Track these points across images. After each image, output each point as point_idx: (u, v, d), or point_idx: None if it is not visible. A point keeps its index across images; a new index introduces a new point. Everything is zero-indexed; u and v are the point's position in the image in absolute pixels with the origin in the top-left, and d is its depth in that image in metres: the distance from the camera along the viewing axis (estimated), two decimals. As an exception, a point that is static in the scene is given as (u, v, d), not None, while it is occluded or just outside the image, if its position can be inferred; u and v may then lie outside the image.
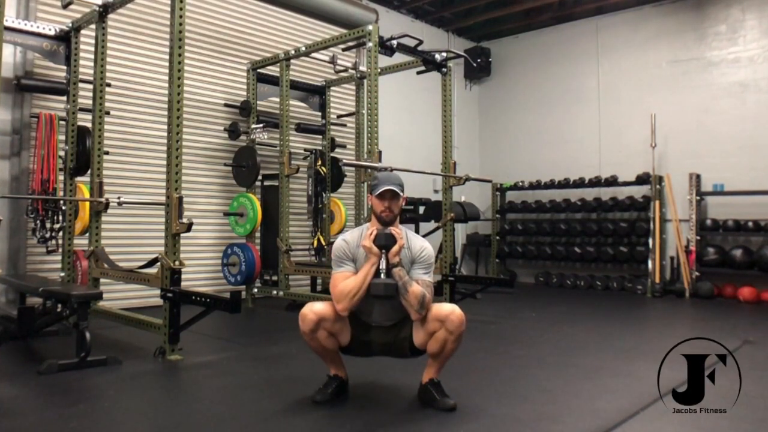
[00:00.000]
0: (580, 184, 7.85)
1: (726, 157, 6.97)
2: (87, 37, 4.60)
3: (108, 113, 4.67)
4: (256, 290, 5.85)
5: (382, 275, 2.51)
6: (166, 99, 3.68)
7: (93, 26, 4.44)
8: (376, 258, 2.53)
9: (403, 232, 2.64)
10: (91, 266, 4.37)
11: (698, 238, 6.87)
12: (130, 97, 5.48)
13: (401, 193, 2.64)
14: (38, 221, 4.67)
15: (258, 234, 6.01)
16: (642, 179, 7.29)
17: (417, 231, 5.89)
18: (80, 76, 4.62)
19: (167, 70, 3.65)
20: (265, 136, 5.92)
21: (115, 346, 3.75)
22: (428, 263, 2.64)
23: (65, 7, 4.48)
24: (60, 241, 4.64)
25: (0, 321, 3.63)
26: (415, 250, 2.64)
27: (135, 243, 5.30)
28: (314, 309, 2.56)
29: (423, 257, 2.63)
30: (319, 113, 6.69)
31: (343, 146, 6.86)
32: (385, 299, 2.53)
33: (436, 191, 7.52)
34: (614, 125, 7.90)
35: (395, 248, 2.53)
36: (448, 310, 2.50)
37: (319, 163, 6.28)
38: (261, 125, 5.87)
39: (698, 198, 6.95)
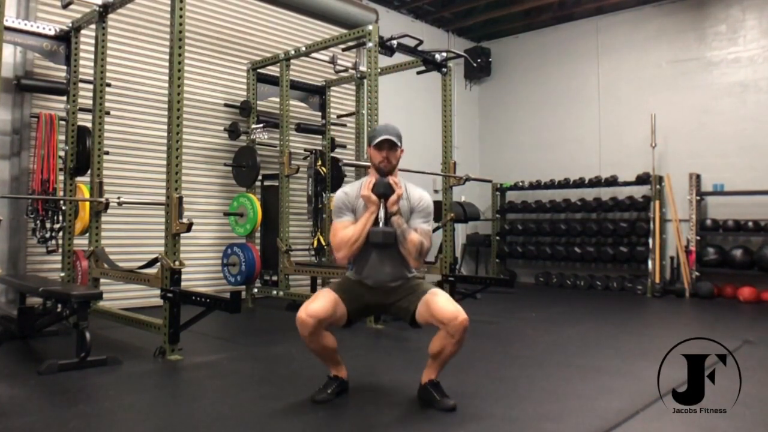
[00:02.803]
0: (580, 184, 7.85)
1: (726, 157, 6.97)
2: (87, 37, 4.60)
3: (108, 113, 4.67)
4: (256, 290, 5.85)
5: (381, 224, 2.54)
6: (166, 99, 3.68)
7: (93, 26, 4.43)
8: (374, 206, 2.58)
9: (401, 182, 2.66)
10: (91, 266, 4.37)
11: (698, 238, 6.87)
12: (130, 97, 5.48)
13: (399, 144, 2.68)
14: (38, 221, 4.67)
15: (258, 234, 6.01)
16: (642, 179, 7.28)
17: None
18: (80, 76, 4.62)
19: (167, 70, 3.65)
20: (265, 136, 5.92)
21: (115, 346, 3.75)
22: (427, 212, 2.69)
23: (65, 7, 4.47)
24: (60, 241, 4.64)
25: (0, 321, 3.63)
26: (414, 200, 2.69)
27: (135, 243, 5.30)
28: (309, 312, 2.48)
29: (421, 206, 2.69)
30: (319, 113, 6.69)
31: (343, 146, 6.86)
32: (383, 247, 2.55)
33: (436, 191, 7.51)
34: (614, 125, 7.90)
35: (393, 197, 2.57)
36: (451, 314, 2.41)
37: (319, 163, 6.28)
38: (261, 125, 5.87)
39: (698, 198, 6.95)
